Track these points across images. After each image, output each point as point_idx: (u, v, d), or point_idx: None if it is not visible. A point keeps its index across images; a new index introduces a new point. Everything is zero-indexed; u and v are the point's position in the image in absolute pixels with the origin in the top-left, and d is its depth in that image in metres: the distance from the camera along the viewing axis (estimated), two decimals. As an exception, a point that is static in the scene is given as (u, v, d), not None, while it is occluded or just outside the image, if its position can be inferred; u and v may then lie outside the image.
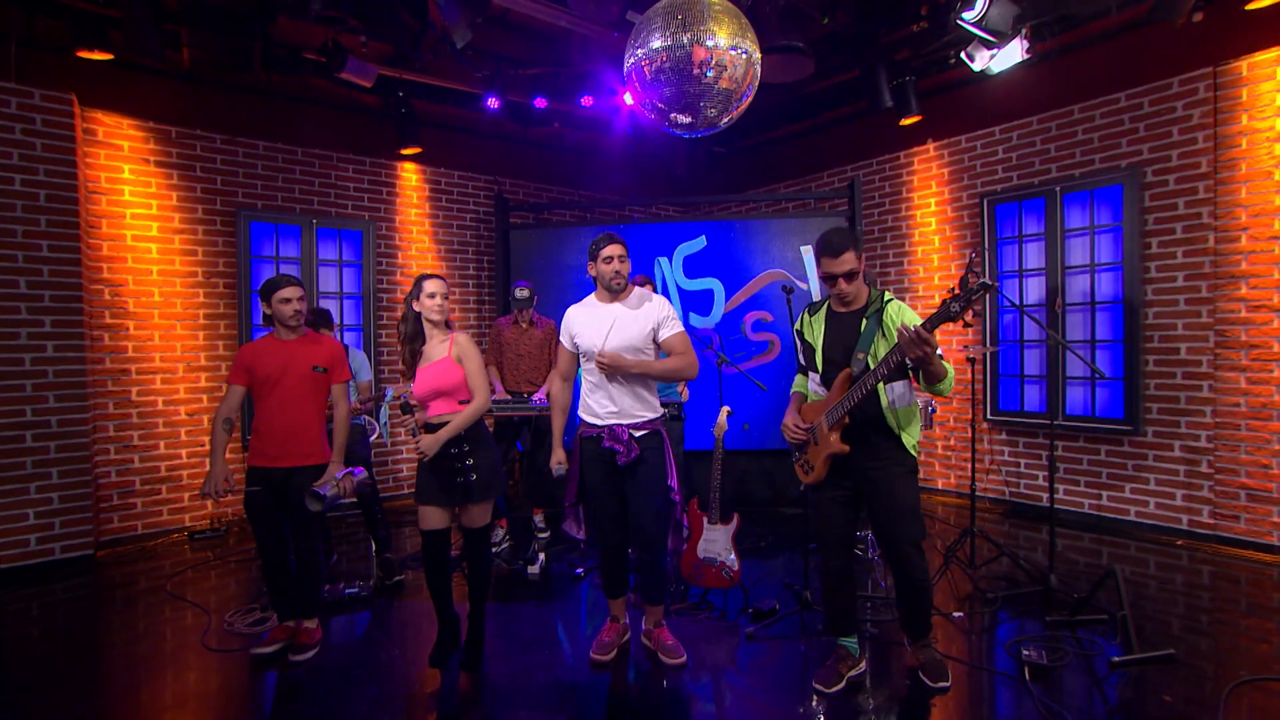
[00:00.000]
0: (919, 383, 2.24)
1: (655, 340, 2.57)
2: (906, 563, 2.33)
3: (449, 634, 2.69)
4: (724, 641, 2.86)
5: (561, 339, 2.69)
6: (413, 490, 2.65)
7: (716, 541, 3.14)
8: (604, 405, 2.57)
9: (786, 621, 3.00)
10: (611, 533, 2.66)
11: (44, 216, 3.84)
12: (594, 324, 2.58)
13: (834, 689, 2.40)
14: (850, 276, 2.28)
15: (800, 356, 2.53)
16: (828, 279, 2.32)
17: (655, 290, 3.87)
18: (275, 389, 2.72)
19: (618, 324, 2.54)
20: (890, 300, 2.31)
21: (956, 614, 3.04)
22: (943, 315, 2.01)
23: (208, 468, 2.69)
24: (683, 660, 2.62)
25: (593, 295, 2.68)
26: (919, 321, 2.21)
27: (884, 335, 2.25)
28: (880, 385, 2.25)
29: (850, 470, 2.35)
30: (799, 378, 2.57)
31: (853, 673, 2.47)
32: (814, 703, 2.37)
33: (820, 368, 2.38)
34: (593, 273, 2.60)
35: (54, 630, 3.08)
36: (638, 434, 2.53)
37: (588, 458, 2.61)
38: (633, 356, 2.52)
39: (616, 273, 2.55)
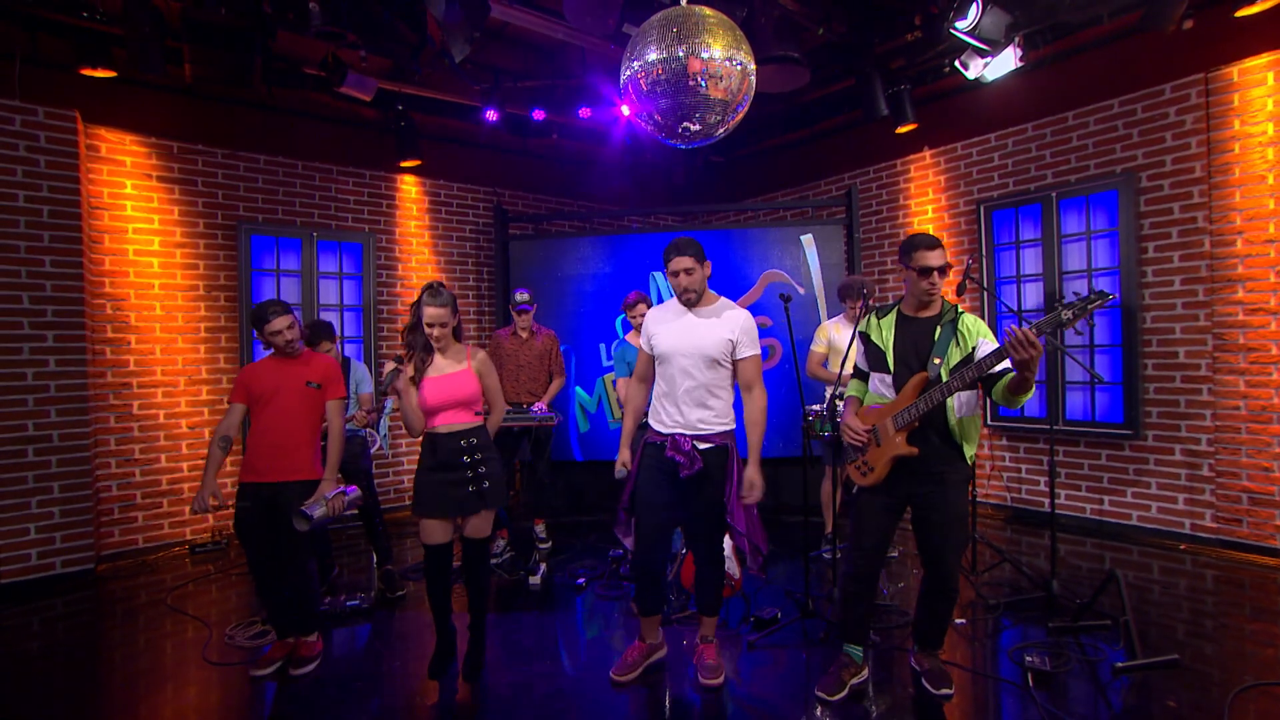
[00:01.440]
0: (991, 393, 2.21)
1: (734, 356, 2.46)
2: (945, 569, 2.32)
3: (447, 645, 2.68)
4: (726, 650, 2.84)
5: (640, 340, 2.65)
6: (416, 506, 2.62)
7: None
8: (670, 414, 2.49)
9: (788, 630, 2.99)
10: (654, 544, 2.52)
11: (47, 232, 3.87)
12: (671, 327, 2.52)
13: (837, 696, 2.39)
14: (944, 272, 2.29)
15: (862, 360, 2.49)
16: (922, 272, 2.28)
17: (651, 304, 3.87)
18: (269, 405, 2.74)
19: (695, 330, 2.47)
20: (965, 314, 2.32)
21: (959, 621, 3.03)
22: (1054, 321, 2.00)
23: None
24: (718, 683, 2.50)
25: (674, 298, 2.61)
26: (990, 335, 2.25)
27: (958, 344, 2.26)
28: (950, 398, 2.24)
29: (913, 473, 2.31)
30: (855, 382, 2.54)
31: (855, 680, 2.46)
32: (817, 711, 2.36)
33: (892, 369, 2.35)
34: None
35: (55, 645, 3.08)
36: (702, 446, 2.45)
37: (647, 464, 2.53)
38: (705, 366, 2.44)
39: (685, 289, 2.47)
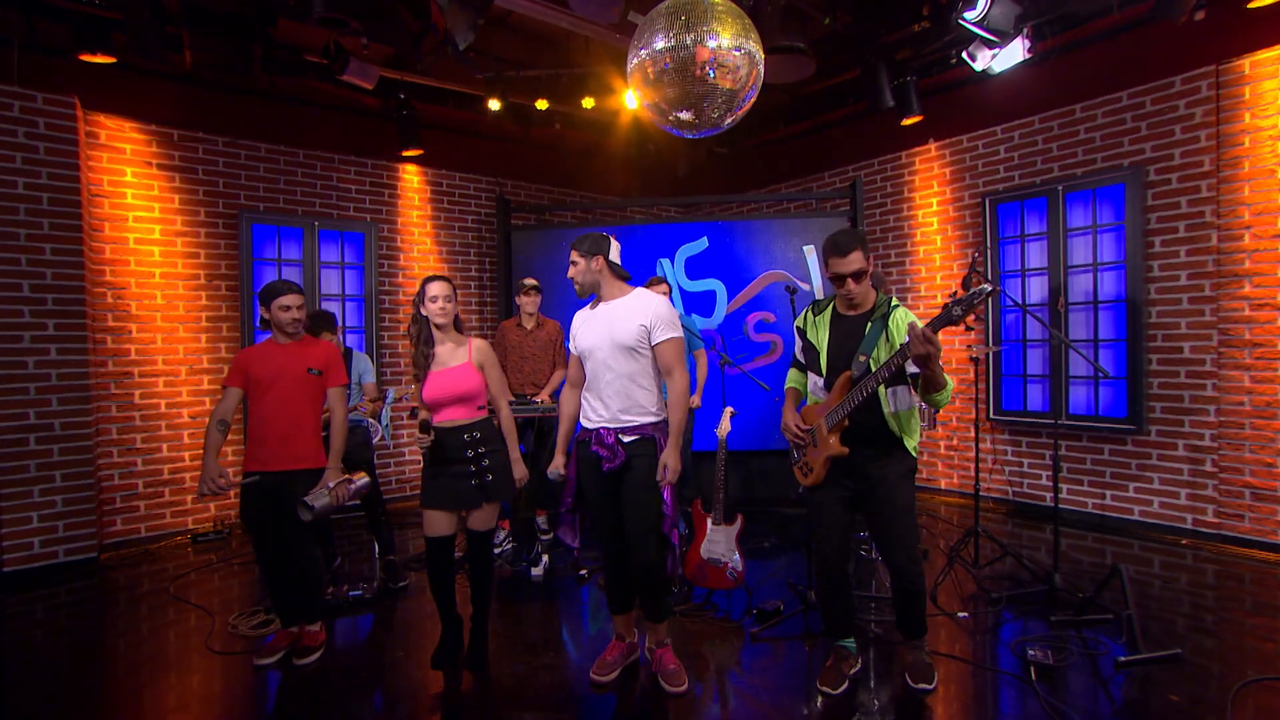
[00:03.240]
0: (916, 393, 2.23)
1: (650, 342, 2.42)
2: (897, 563, 2.32)
3: (452, 636, 2.68)
4: (728, 642, 2.85)
5: (569, 345, 2.65)
6: (416, 491, 2.63)
7: (720, 542, 3.14)
8: (595, 408, 2.48)
9: (791, 622, 3.00)
10: (609, 543, 2.52)
11: (47, 220, 3.84)
12: (590, 324, 2.52)
13: (840, 690, 2.39)
14: (858, 276, 2.26)
15: (799, 354, 2.50)
16: (835, 279, 2.29)
17: (670, 287, 3.82)
18: (270, 392, 2.69)
19: (610, 321, 2.45)
20: (897, 306, 2.29)
21: (961, 614, 3.04)
22: (944, 319, 1.99)
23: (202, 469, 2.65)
24: (683, 689, 2.45)
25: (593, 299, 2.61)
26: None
27: (888, 340, 2.24)
28: (882, 391, 2.24)
29: (851, 471, 2.34)
30: (794, 373, 2.53)
31: (854, 671, 2.47)
32: (819, 703, 2.36)
33: (824, 371, 2.36)
34: None
35: (58, 633, 3.08)
36: (626, 439, 2.41)
37: (582, 462, 2.53)
38: (622, 355, 2.41)
39: (570, 277, 2.51)
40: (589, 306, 2.60)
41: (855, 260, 2.24)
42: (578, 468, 2.57)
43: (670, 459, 2.37)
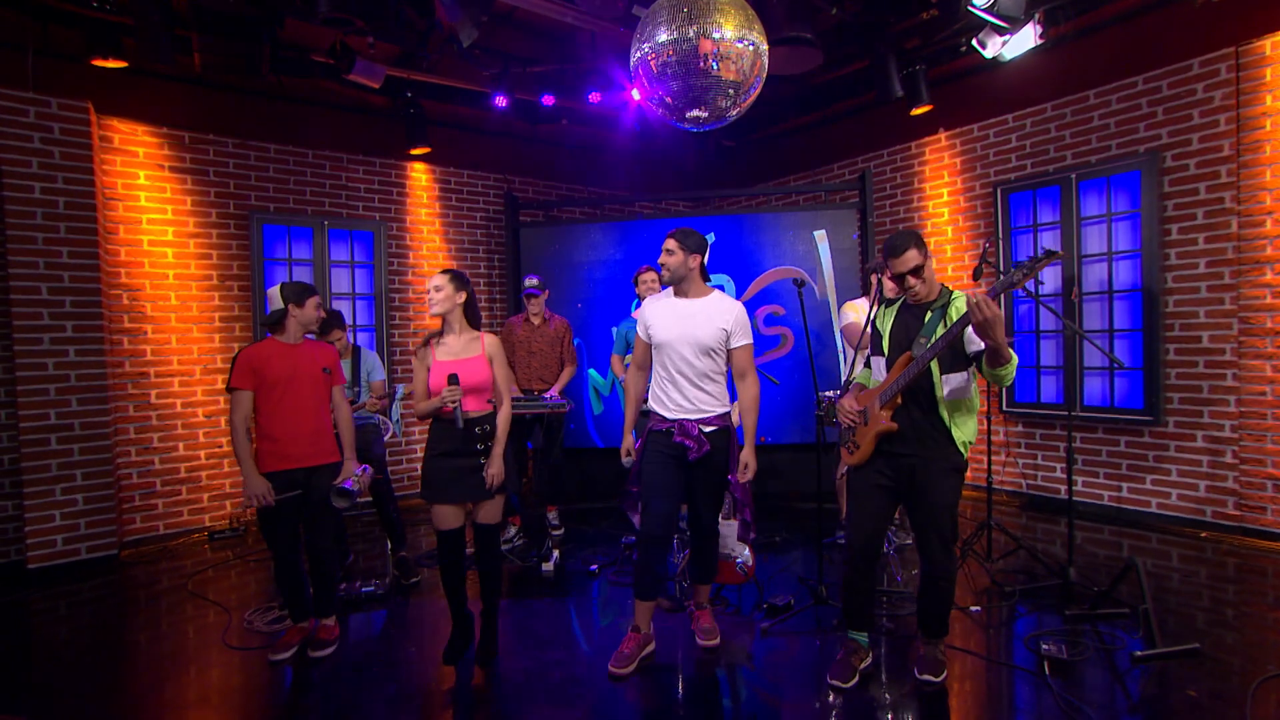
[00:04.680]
0: (981, 371, 2.21)
1: (728, 345, 2.58)
2: (931, 561, 2.33)
3: (463, 631, 2.70)
4: (739, 637, 2.85)
5: (638, 330, 2.73)
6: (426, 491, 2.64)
7: (731, 537, 3.13)
8: (675, 399, 2.59)
9: (801, 616, 2.99)
10: (658, 527, 2.57)
11: (63, 223, 3.90)
12: (668, 318, 2.61)
13: (850, 684, 2.39)
14: (917, 272, 2.30)
15: (870, 345, 2.54)
16: (897, 279, 2.34)
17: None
18: (288, 392, 2.74)
19: (692, 320, 2.57)
20: (958, 295, 2.30)
21: (974, 608, 3.01)
22: (1006, 284, 2.03)
23: (242, 476, 2.65)
24: (716, 643, 2.71)
25: (670, 290, 2.72)
26: None
27: (944, 325, 2.25)
28: (937, 376, 2.26)
29: (896, 460, 2.33)
30: (863, 370, 2.59)
31: (864, 665, 2.47)
32: (831, 698, 2.36)
33: (887, 351, 2.40)
34: None
35: (81, 628, 3.15)
36: (707, 429, 2.55)
37: (654, 450, 2.61)
38: (701, 355, 2.55)
39: (661, 264, 2.63)
40: (664, 297, 2.72)
41: (911, 259, 2.28)
42: (643, 453, 2.67)
43: (749, 457, 2.58)
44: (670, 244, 2.59)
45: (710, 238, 5.17)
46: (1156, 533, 4.06)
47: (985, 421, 3.85)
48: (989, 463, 3.61)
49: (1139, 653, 2.51)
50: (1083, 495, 4.51)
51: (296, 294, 2.80)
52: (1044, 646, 2.57)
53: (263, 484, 2.63)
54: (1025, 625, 2.87)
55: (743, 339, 2.59)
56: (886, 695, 2.37)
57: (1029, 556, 3.50)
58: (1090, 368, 4.48)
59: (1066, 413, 3.58)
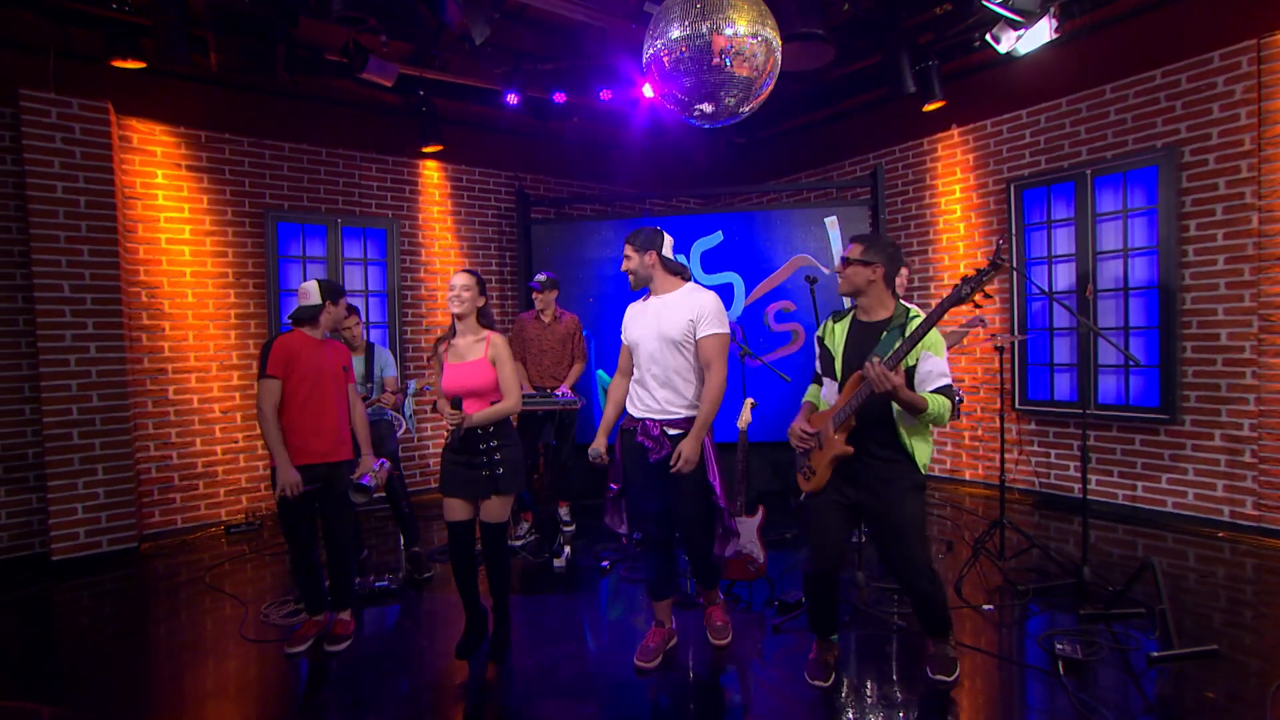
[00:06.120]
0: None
1: (695, 335, 2.49)
2: (905, 579, 2.29)
3: (476, 626, 2.73)
4: (750, 634, 2.86)
5: (621, 334, 2.73)
6: (440, 484, 2.72)
7: (741, 534, 3.14)
8: (641, 398, 2.57)
9: (812, 614, 2.99)
10: (651, 530, 2.60)
11: (84, 222, 3.97)
12: (641, 317, 2.62)
13: (830, 681, 2.39)
14: (846, 263, 2.30)
15: (818, 364, 2.47)
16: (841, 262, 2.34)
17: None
18: (315, 387, 2.78)
19: (659, 314, 2.55)
20: (916, 316, 2.24)
21: (986, 607, 3.00)
22: (954, 299, 2.01)
23: (275, 464, 2.67)
24: (726, 642, 2.70)
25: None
26: (939, 346, 2.19)
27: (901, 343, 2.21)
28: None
29: (854, 480, 2.29)
30: (812, 387, 2.51)
31: (834, 658, 2.48)
32: (843, 695, 2.36)
33: (839, 375, 2.33)
34: None
35: (103, 619, 3.21)
36: (671, 431, 2.48)
37: (626, 451, 2.61)
38: (668, 349, 2.49)
39: (625, 271, 2.62)
40: (642, 299, 2.69)
41: (854, 251, 2.29)
42: (622, 455, 2.63)
43: (687, 448, 2.42)
44: (626, 249, 2.59)
45: (717, 236, 5.16)
46: (1172, 532, 4.02)
47: (998, 419, 3.82)
48: (1002, 460, 3.58)
49: (1155, 653, 2.48)
50: (1097, 494, 4.47)
51: (334, 292, 2.88)
52: (1058, 646, 2.55)
53: (295, 475, 2.66)
54: (1039, 624, 2.86)
55: (711, 329, 2.46)
56: (899, 694, 2.37)
57: (1042, 555, 3.47)
58: (1105, 365, 4.43)
59: (1081, 411, 3.54)
